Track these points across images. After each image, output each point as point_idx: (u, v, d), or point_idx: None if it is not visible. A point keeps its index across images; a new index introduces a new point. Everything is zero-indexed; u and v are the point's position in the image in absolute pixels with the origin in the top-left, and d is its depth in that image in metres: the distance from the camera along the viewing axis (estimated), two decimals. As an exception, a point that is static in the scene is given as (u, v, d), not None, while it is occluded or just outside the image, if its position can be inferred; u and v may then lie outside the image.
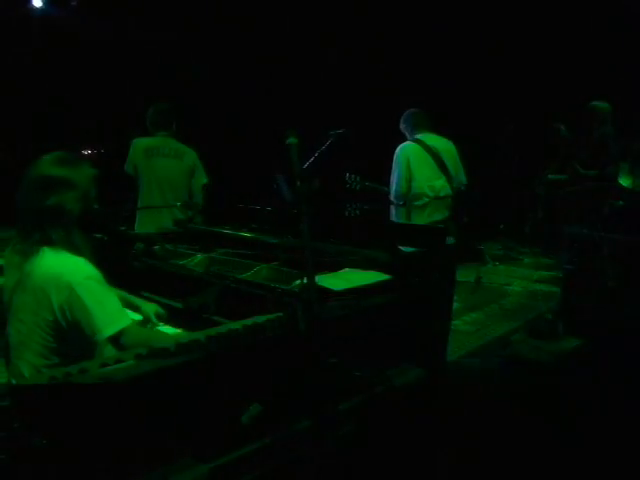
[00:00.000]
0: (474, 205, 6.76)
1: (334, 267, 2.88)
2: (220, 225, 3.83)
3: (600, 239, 4.77)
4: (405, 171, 5.45)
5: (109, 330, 2.19)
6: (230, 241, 3.58)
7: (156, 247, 3.46)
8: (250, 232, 3.63)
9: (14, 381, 2.33)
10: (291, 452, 2.14)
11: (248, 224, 3.76)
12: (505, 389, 4.04)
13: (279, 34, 9.10)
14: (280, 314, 2.22)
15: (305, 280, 1.90)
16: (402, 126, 5.68)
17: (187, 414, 1.96)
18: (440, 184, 5.47)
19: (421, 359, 2.84)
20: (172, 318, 2.79)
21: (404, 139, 5.63)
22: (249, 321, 2.18)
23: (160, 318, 2.73)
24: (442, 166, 5.45)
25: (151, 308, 2.74)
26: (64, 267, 2.23)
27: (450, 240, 4.48)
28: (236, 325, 2.15)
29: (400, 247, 3.23)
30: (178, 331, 2.70)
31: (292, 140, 2.06)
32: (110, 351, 2.25)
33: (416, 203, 5.46)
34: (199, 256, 3.34)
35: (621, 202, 6.69)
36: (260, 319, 2.19)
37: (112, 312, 2.23)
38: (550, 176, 7.76)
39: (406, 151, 5.50)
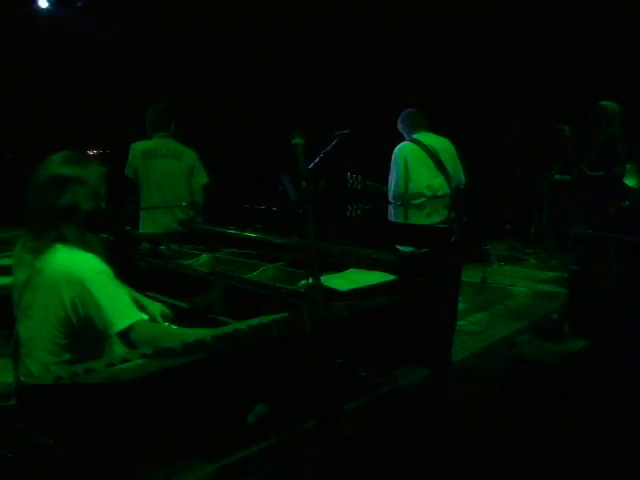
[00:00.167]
0: (479, 205, 6.77)
1: (339, 267, 2.88)
2: (225, 225, 3.84)
3: (606, 240, 4.76)
4: (403, 171, 5.45)
5: (120, 324, 2.19)
6: (236, 241, 3.58)
7: (162, 247, 3.47)
8: (255, 232, 3.63)
9: (23, 379, 2.34)
10: (296, 452, 2.14)
11: (253, 224, 3.77)
12: (510, 390, 4.03)
13: (286, 34, 9.11)
14: (286, 314, 2.22)
15: (311, 280, 1.90)
16: (400, 126, 5.69)
17: (193, 414, 1.96)
18: (438, 183, 5.47)
19: (426, 359, 2.84)
20: (178, 318, 2.79)
21: (403, 139, 5.63)
22: (255, 321, 2.18)
23: (165, 318, 2.74)
24: (440, 165, 5.45)
25: (156, 308, 2.74)
26: (76, 263, 2.25)
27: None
28: (242, 325, 2.15)
29: (398, 247, 3.24)
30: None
31: (298, 140, 2.05)
32: (119, 348, 2.26)
33: (414, 202, 5.47)
34: (204, 256, 3.35)
35: (627, 202, 6.69)
36: (266, 319, 2.19)
37: (123, 307, 2.24)
38: (556, 176, 7.74)
39: (404, 151, 5.50)
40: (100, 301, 2.19)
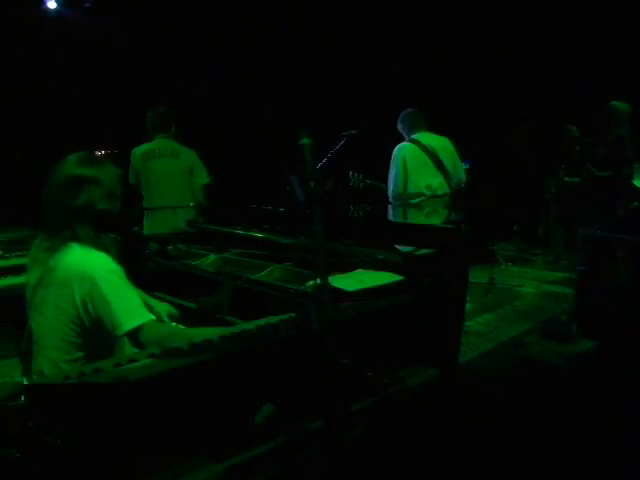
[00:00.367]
0: (487, 206, 6.75)
1: (347, 268, 2.88)
2: (233, 225, 3.84)
3: (614, 240, 4.74)
4: (402, 171, 5.47)
5: (129, 324, 2.21)
6: (243, 241, 3.59)
7: (169, 247, 3.48)
8: (263, 232, 3.64)
9: (35, 376, 2.37)
10: (304, 452, 2.14)
11: (261, 224, 3.77)
12: (518, 390, 4.03)
13: (294, 34, 9.11)
14: (293, 314, 2.22)
15: (318, 281, 1.90)
16: (399, 126, 5.70)
17: (200, 414, 1.97)
18: (437, 183, 5.48)
19: (434, 360, 2.83)
20: (185, 318, 2.79)
21: (404, 139, 5.64)
22: (262, 321, 2.18)
23: (172, 318, 2.74)
24: (439, 165, 5.46)
25: (164, 308, 2.75)
26: (88, 261, 2.27)
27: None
28: (249, 325, 2.15)
29: (396, 246, 3.25)
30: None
31: (305, 141, 2.05)
32: (129, 349, 2.27)
33: (412, 201, 5.48)
34: (212, 256, 3.35)
35: (636, 203, 6.66)
36: (273, 319, 2.19)
37: (133, 307, 2.25)
38: (566, 179, 7.72)
39: (402, 151, 5.52)
40: (110, 300, 2.21)
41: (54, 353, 2.32)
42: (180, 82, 9.09)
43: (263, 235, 3.60)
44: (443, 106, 8.22)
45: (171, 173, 5.39)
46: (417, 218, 5.38)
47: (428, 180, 5.44)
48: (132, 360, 1.96)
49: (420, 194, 5.44)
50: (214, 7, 8.90)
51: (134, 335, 2.22)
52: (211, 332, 2.12)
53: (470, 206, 5.72)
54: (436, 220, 5.35)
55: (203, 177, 5.52)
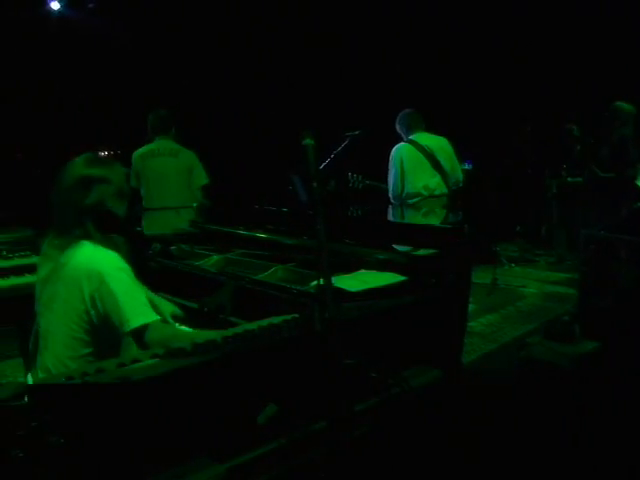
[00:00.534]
0: (490, 206, 6.75)
1: (350, 268, 2.88)
2: (236, 226, 3.84)
3: (618, 241, 4.73)
4: (399, 172, 5.51)
5: (136, 322, 2.23)
6: (246, 242, 3.59)
7: (172, 247, 3.48)
8: (266, 233, 3.64)
9: (40, 373, 2.39)
10: (307, 453, 2.14)
11: (264, 225, 3.77)
12: (521, 391, 4.02)
13: (297, 34, 9.12)
14: (296, 315, 2.22)
15: (321, 281, 1.90)
16: (397, 127, 5.74)
17: (203, 414, 1.97)
18: (435, 183, 5.51)
19: (437, 360, 2.83)
20: (189, 319, 2.79)
21: (402, 140, 5.66)
22: (265, 322, 2.18)
23: (176, 318, 2.75)
24: (437, 165, 5.48)
25: (168, 308, 2.76)
26: (97, 258, 2.31)
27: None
28: (252, 326, 2.15)
29: (394, 246, 3.25)
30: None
31: (308, 141, 2.05)
32: (136, 348, 2.29)
33: (410, 201, 5.50)
34: (215, 257, 3.35)
35: (639, 204, 6.64)
36: (276, 320, 2.19)
37: (140, 305, 2.28)
38: (569, 179, 7.71)
39: (400, 152, 5.55)
40: (118, 297, 2.24)
41: (60, 349, 2.34)
42: (183, 82, 9.10)
43: (266, 235, 3.60)
44: (445, 107, 8.22)
45: (170, 172, 5.43)
46: (415, 218, 5.39)
47: (425, 180, 5.46)
48: (135, 360, 1.96)
49: (418, 194, 5.47)
50: (217, 8, 8.91)
51: (140, 334, 2.24)
52: (214, 335, 2.12)
53: (469, 206, 5.72)
54: (434, 220, 5.36)
55: (202, 178, 5.56)
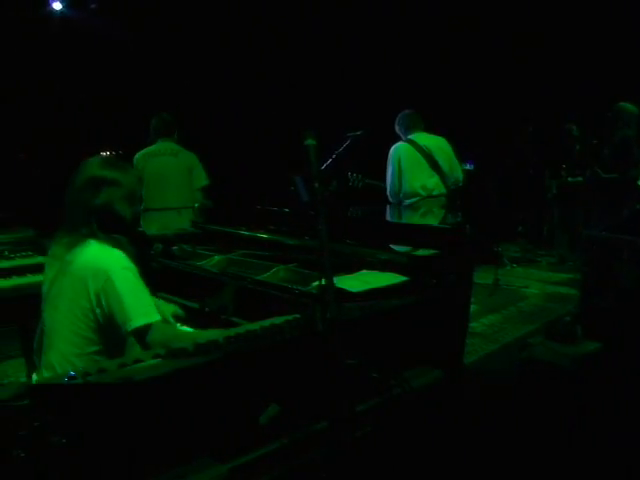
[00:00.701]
0: (491, 206, 6.75)
1: (352, 268, 2.88)
2: (238, 226, 3.85)
3: (619, 242, 4.73)
4: (397, 170, 5.53)
5: (139, 321, 2.24)
6: (248, 242, 3.59)
7: (174, 248, 3.48)
8: (268, 233, 3.64)
9: (45, 372, 2.40)
10: (309, 453, 2.14)
11: (266, 225, 3.77)
12: (522, 392, 4.02)
13: (299, 35, 9.12)
14: (298, 315, 2.22)
15: (323, 281, 1.90)
16: (396, 128, 5.75)
17: (205, 414, 1.97)
18: (433, 183, 5.52)
19: (439, 361, 2.83)
20: (190, 319, 2.80)
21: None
22: (267, 322, 2.18)
23: (178, 319, 2.76)
24: (435, 165, 5.49)
25: (169, 308, 2.76)
26: (104, 257, 2.34)
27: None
28: (254, 326, 2.15)
29: (391, 246, 3.25)
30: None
31: (310, 142, 2.05)
32: (139, 349, 2.30)
33: (408, 202, 5.51)
34: (217, 257, 3.35)
35: (641, 204, 6.63)
36: (278, 320, 2.19)
37: (144, 305, 2.30)
38: (569, 179, 7.71)
39: (398, 151, 5.57)
40: (122, 295, 2.26)
41: (66, 347, 2.36)
42: (185, 83, 9.10)
43: (268, 236, 3.60)
44: (447, 107, 8.22)
45: (169, 171, 5.48)
46: (412, 218, 5.38)
47: (423, 180, 5.48)
48: (137, 361, 1.96)
49: (415, 194, 5.48)
50: (219, 8, 8.91)
51: (142, 333, 2.25)
52: (217, 335, 2.13)
53: (470, 207, 5.72)
54: (432, 221, 5.35)
55: (202, 179, 5.62)
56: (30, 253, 4.07)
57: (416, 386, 2.55)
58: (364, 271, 2.88)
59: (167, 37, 8.93)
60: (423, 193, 5.48)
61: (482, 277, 6.82)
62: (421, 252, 3.07)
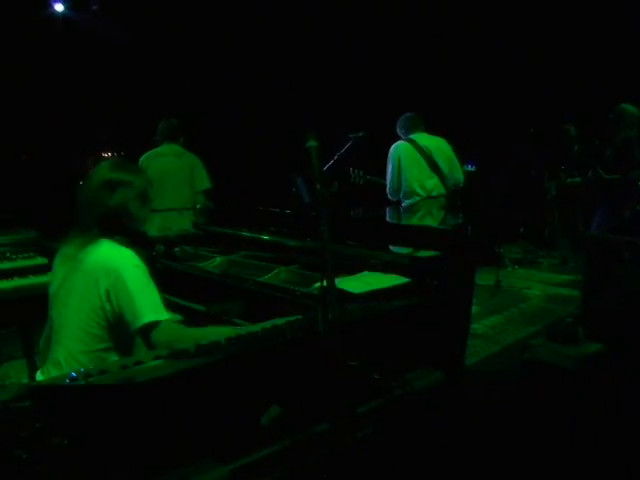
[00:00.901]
0: (493, 207, 6.74)
1: (353, 270, 2.88)
2: (239, 227, 3.85)
3: (621, 243, 4.73)
4: (396, 168, 5.58)
5: (148, 317, 2.26)
6: (249, 243, 3.59)
7: (176, 249, 3.49)
8: (269, 234, 3.64)
9: (52, 368, 2.42)
10: (310, 454, 2.14)
11: (267, 226, 3.77)
12: (524, 393, 4.02)
13: (300, 37, 9.12)
14: (299, 317, 2.23)
15: (325, 283, 1.90)
16: (397, 130, 5.77)
17: (207, 416, 1.97)
18: (432, 184, 5.54)
19: (440, 362, 2.83)
20: (191, 320, 2.80)
21: None
22: (268, 323, 2.19)
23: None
24: (434, 166, 5.51)
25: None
26: (115, 255, 2.38)
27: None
28: (256, 327, 2.15)
29: (392, 248, 3.25)
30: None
31: (312, 143, 2.06)
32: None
33: (407, 202, 5.53)
34: (218, 258, 3.36)
35: (643, 205, 6.63)
36: (279, 321, 2.20)
37: (154, 303, 2.32)
38: (568, 180, 7.71)
39: (398, 150, 5.62)
40: (133, 292, 2.29)
41: (73, 343, 2.38)
42: (186, 84, 9.11)
43: (269, 237, 3.60)
44: (449, 108, 8.22)
45: (171, 171, 5.55)
46: (411, 220, 5.39)
47: (422, 180, 5.51)
48: (138, 362, 1.97)
49: (414, 194, 5.51)
50: (220, 9, 8.92)
51: (150, 330, 2.26)
52: (219, 333, 2.14)
53: (471, 208, 5.72)
54: (430, 222, 5.35)
55: (204, 182, 5.68)
56: (32, 254, 4.08)
57: (417, 387, 2.55)
58: (366, 272, 2.89)
59: (168, 38, 8.93)
60: (422, 193, 5.50)
61: (484, 278, 6.82)
62: (422, 253, 3.07)
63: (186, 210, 5.35)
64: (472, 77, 8.84)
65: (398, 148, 5.61)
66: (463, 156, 5.94)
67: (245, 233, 3.75)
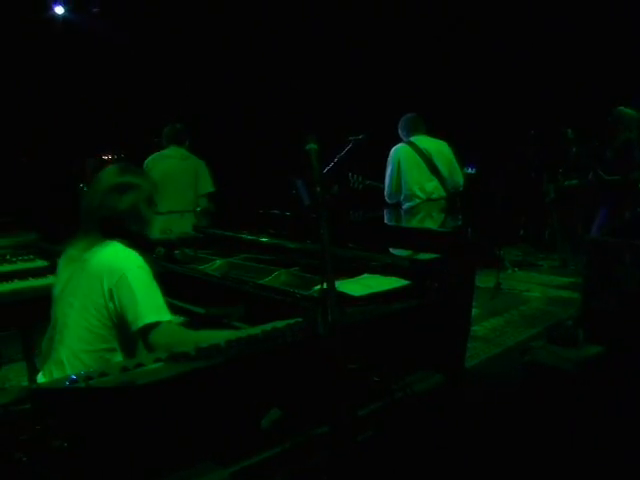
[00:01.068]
0: (494, 209, 6.74)
1: (353, 272, 2.88)
2: (239, 230, 3.85)
3: (621, 245, 4.72)
4: (395, 172, 5.58)
5: (149, 318, 2.28)
6: (249, 246, 3.59)
7: (176, 252, 3.49)
8: (269, 237, 3.64)
9: (54, 368, 2.42)
10: (310, 457, 2.14)
11: (267, 229, 3.77)
12: (524, 395, 4.02)
13: (301, 39, 9.12)
14: (299, 319, 2.23)
15: (325, 285, 1.90)
16: (399, 131, 5.78)
17: (207, 418, 1.97)
18: (432, 186, 5.55)
19: (440, 365, 2.83)
20: (191, 323, 2.80)
21: None
22: (268, 326, 2.18)
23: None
24: (434, 169, 5.51)
25: None
26: (120, 256, 2.40)
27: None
28: (255, 330, 2.15)
29: (393, 250, 3.25)
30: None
31: (312, 146, 2.06)
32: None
33: (407, 205, 5.53)
34: (218, 261, 3.36)
35: (643, 207, 6.62)
36: (280, 324, 2.19)
37: (156, 304, 2.33)
38: (566, 183, 7.71)
39: (398, 153, 5.62)
40: (136, 292, 2.30)
41: (76, 343, 2.38)
42: (186, 86, 9.11)
43: (269, 240, 3.60)
44: (449, 111, 8.22)
45: (175, 173, 5.59)
46: (410, 223, 5.39)
47: (422, 183, 5.52)
48: (139, 364, 1.96)
49: (414, 196, 5.51)
50: (220, 11, 8.93)
51: (150, 331, 2.27)
52: (220, 336, 2.14)
53: (471, 210, 5.72)
54: (430, 224, 5.35)
55: (208, 186, 5.74)
56: (32, 257, 4.08)
57: (417, 390, 2.55)
58: (366, 275, 2.89)
59: (168, 41, 8.94)
60: (422, 196, 5.50)
61: (484, 281, 6.82)
62: (422, 256, 3.07)
63: (188, 212, 5.36)
64: (472, 79, 8.85)
65: (398, 151, 5.62)
66: (463, 158, 5.94)
67: (245, 235, 3.75)
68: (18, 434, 1.92)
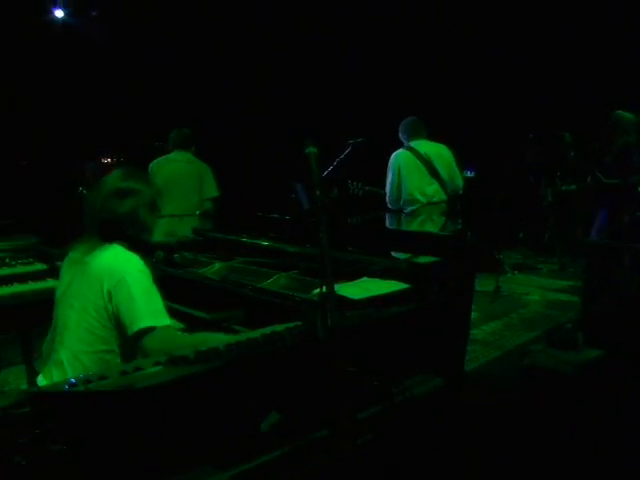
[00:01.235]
0: (493, 212, 6.75)
1: (353, 276, 2.88)
2: (239, 233, 3.85)
3: (621, 248, 4.73)
4: (396, 178, 5.58)
5: (145, 322, 2.28)
6: (249, 249, 3.59)
7: (175, 255, 3.49)
8: (269, 240, 3.64)
9: (54, 369, 2.43)
10: (309, 461, 2.14)
11: (267, 232, 3.77)
12: (524, 399, 4.01)
13: (300, 42, 9.14)
14: (299, 323, 2.23)
15: (324, 289, 1.90)
16: (400, 134, 5.78)
17: (206, 422, 1.97)
18: (433, 190, 5.55)
19: (440, 368, 2.83)
20: (191, 326, 2.79)
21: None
22: (268, 330, 2.18)
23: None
24: (434, 172, 5.52)
25: None
26: (121, 259, 2.42)
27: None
28: (255, 334, 2.15)
29: (393, 254, 3.25)
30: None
31: (311, 149, 2.06)
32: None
33: (409, 209, 5.55)
34: (218, 264, 3.36)
35: (642, 211, 6.63)
36: (279, 328, 2.19)
37: (154, 308, 2.34)
38: (563, 187, 7.72)
39: (397, 159, 5.62)
40: (134, 296, 2.31)
41: (76, 344, 2.39)
42: (186, 88, 9.12)
43: (269, 243, 3.60)
44: (449, 114, 8.23)
45: (180, 176, 5.62)
46: (411, 226, 5.39)
47: (422, 187, 5.52)
48: (138, 368, 1.96)
49: (415, 201, 5.53)
50: (219, 15, 8.94)
51: (144, 335, 2.27)
52: (218, 340, 2.14)
53: (471, 214, 5.73)
54: (430, 228, 5.35)
55: (212, 190, 5.77)
56: (31, 260, 4.07)
57: (417, 393, 2.55)
58: (365, 278, 2.89)
59: (167, 44, 8.95)
60: (422, 199, 5.51)
61: (483, 284, 6.81)
62: (422, 259, 3.07)
63: (187, 216, 5.37)
64: (471, 83, 8.86)
65: (398, 157, 5.62)
66: (463, 162, 5.95)
67: (245, 239, 3.75)
68: (17, 437, 1.92)
